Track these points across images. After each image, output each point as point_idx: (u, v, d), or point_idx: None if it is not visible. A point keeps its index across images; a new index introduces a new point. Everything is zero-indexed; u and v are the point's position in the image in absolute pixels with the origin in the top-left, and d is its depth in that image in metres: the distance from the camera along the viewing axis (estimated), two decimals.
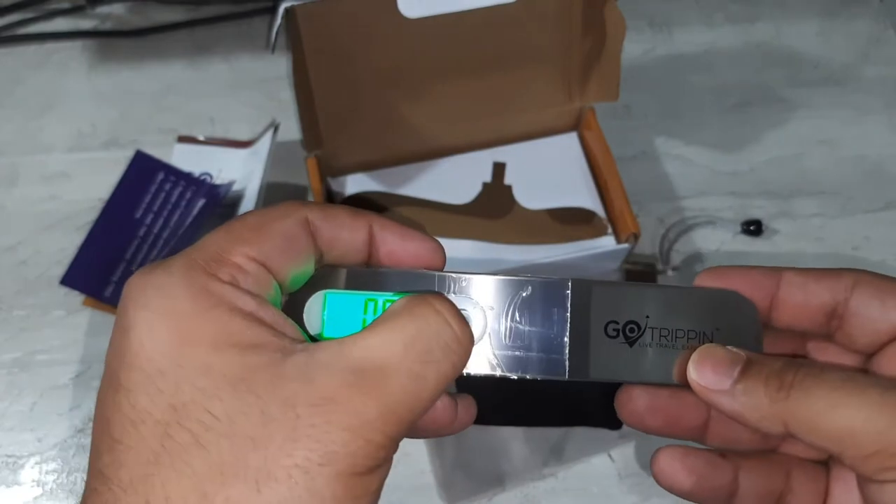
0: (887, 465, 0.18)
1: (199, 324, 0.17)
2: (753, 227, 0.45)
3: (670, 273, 0.43)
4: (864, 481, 0.20)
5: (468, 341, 0.20)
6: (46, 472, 0.39)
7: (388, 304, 0.21)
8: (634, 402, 0.22)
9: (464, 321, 0.20)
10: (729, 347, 0.21)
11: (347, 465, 0.17)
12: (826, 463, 0.23)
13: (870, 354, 0.22)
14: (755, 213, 0.47)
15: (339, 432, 0.17)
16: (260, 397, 0.17)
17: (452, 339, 0.19)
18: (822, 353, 0.23)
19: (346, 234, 0.21)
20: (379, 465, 0.18)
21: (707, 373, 0.20)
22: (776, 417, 0.19)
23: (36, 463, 0.39)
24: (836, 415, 0.19)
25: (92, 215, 0.44)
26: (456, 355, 0.19)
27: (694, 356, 0.21)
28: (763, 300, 0.22)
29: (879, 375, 0.21)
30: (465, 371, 0.21)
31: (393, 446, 0.18)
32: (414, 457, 0.28)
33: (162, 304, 0.18)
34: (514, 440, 0.38)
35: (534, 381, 0.22)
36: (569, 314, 0.22)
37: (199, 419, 0.17)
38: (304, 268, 0.20)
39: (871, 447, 0.18)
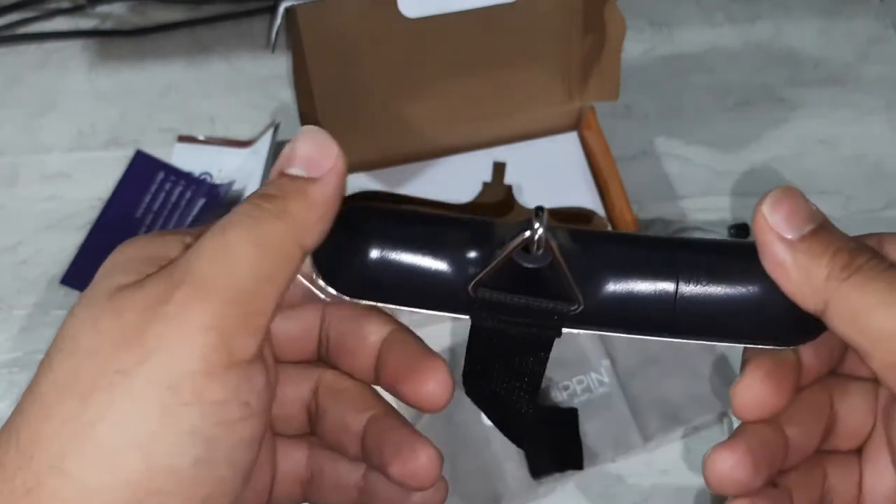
0: None
1: (129, 264, 0.18)
2: (740, 231, 0.45)
3: None
4: (888, 396, 0.18)
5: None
6: None
7: None
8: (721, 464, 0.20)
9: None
10: (810, 202, 0.19)
11: (168, 365, 0.16)
12: (858, 451, 0.22)
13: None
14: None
15: (159, 328, 0.16)
16: (94, 311, 0.17)
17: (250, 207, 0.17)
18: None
19: None
20: (211, 366, 0.16)
21: (780, 213, 0.18)
22: (822, 294, 0.18)
23: None
24: (882, 314, 0.17)
25: (92, 215, 0.44)
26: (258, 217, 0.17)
27: (773, 193, 0.19)
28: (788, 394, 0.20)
29: None
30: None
31: (229, 343, 0.16)
32: None
33: (116, 251, 0.19)
34: (508, 461, 0.37)
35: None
36: None
37: (57, 346, 0.17)
38: None
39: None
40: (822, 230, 0.19)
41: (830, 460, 0.22)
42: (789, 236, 0.18)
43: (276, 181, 0.18)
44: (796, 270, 0.18)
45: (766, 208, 0.19)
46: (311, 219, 0.18)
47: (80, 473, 0.16)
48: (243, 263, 0.17)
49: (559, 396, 0.39)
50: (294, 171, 0.18)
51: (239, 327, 0.16)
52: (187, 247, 0.18)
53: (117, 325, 0.16)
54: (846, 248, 0.18)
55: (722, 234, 0.46)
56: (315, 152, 0.18)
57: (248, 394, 0.17)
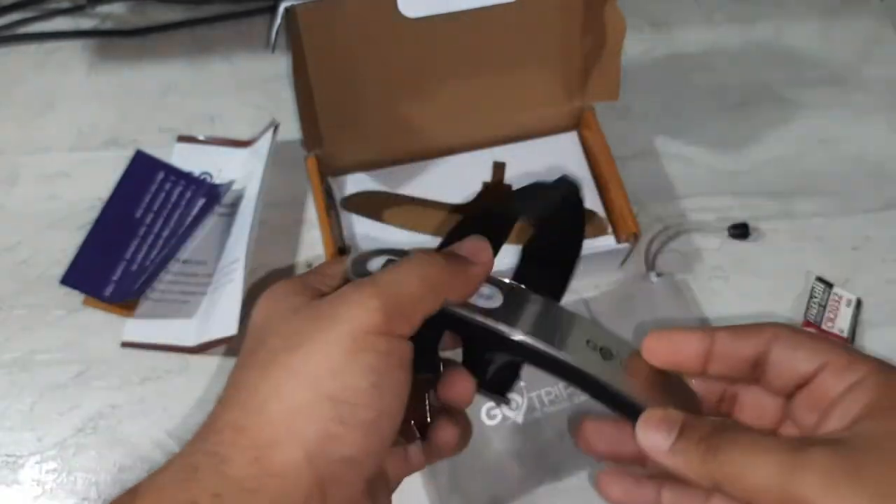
0: None
1: (283, 296, 0.26)
2: (740, 231, 0.45)
3: (654, 279, 0.43)
4: None
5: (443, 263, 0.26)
6: (46, 472, 0.39)
7: None
8: (586, 431, 0.28)
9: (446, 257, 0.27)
10: (668, 410, 0.25)
11: (352, 325, 0.23)
12: None
13: (788, 396, 0.26)
14: (755, 213, 0.47)
15: (345, 306, 0.24)
16: (301, 311, 0.25)
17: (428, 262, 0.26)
18: (749, 393, 0.27)
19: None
20: (378, 324, 0.23)
21: (650, 435, 0.24)
22: (707, 476, 0.23)
23: (36, 462, 0.39)
24: (750, 474, 0.22)
25: (92, 215, 0.44)
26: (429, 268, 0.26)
27: (640, 419, 0.25)
28: (699, 356, 0.26)
29: (782, 437, 0.25)
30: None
31: (394, 318, 0.24)
32: (407, 482, 0.28)
33: (274, 287, 0.27)
34: (509, 461, 0.38)
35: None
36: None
37: (264, 328, 0.25)
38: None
39: (776, 502, 0.21)
40: (683, 430, 0.24)
41: None
42: (665, 448, 0.24)
43: (447, 254, 0.27)
44: (683, 467, 0.23)
45: (640, 437, 0.24)
46: (460, 282, 0.26)
47: (294, 394, 0.23)
48: (409, 286, 0.25)
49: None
50: (462, 252, 0.27)
51: (397, 317, 0.24)
52: (323, 283, 0.27)
53: (314, 307, 0.24)
54: (703, 436, 0.23)
55: (722, 234, 0.46)
56: (478, 248, 0.27)
57: (401, 354, 0.24)
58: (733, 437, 0.23)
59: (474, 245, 0.27)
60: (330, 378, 0.23)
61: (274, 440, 0.22)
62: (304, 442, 0.22)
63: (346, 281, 0.27)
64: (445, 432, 0.28)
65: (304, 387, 0.23)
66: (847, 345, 0.26)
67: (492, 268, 0.27)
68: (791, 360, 0.25)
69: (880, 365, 0.24)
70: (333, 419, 0.22)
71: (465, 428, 0.29)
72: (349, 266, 0.27)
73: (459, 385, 0.27)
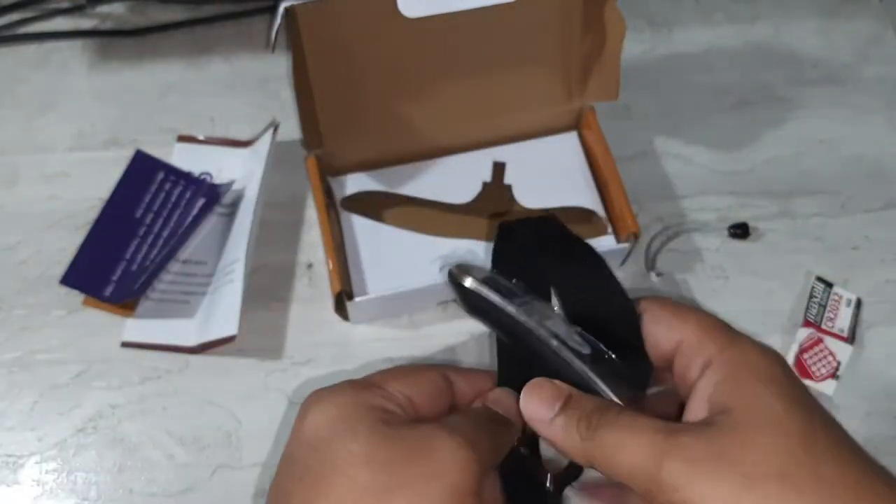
0: (657, 500, 0.22)
1: (351, 411, 0.25)
2: (740, 231, 0.45)
3: (654, 278, 0.43)
4: None
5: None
6: (46, 472, 0.39)
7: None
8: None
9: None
10: (556, 382, 0.25)
11: (449, 482, 0.22)
12: None
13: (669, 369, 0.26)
14: (755, 213, 0.47)
15: (443, 462, 0.23)
16: (387, 439, 0.24)
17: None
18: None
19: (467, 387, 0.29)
20: (473, 485, 0.23)
21: (533, 403, 0.24)
22: (584, 454, 0.23)
23: (36, 462, 0.39)
24: (622, 456, 0.22)
25: (92, 215, 0.44)
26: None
27: (526, 386, 0.25)
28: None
29: (658, 421, 0.23)
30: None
31: (480, 481, 0.24)
32: None
33: (330, 397, 0.26)
34: None
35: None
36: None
37: (352, 458, 0.24)
38: (441, 410, 0.28)
39: (646, 485, 0.22)
40: (566, 403, 0.24)
41: None
42: (546, 418, 0.24)
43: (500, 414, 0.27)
44: (562, 441, 0.24)
45: (523, 405, 0.25)
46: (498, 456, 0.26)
47: None
48: (492, 446, 0.25)
49: None
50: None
51: (484, 475, 0.24)
52: (387, 400, 0.26)
53: (401, 443, 0.24)
54: (585, 413, 0.24)
55: (722, 234, 0.46)
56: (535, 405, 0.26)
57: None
58: (613, 418, 0.23)
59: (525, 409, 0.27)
60: None
61: None
62: None
63: (417, 416, 0.26)
64: None
65: None
66: (707, 316, 0.25)
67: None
68: (654, 337, 0.25)
69: (728, 339, 0.24)
70: None
71: None
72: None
73: None
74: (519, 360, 0.27)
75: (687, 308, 0.25)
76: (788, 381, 0.23)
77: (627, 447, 0.22)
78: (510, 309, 0.27)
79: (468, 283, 0.28)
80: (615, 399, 0.24)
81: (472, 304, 0.29)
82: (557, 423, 0.24)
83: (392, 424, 0.24)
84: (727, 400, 0.22)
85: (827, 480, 0.20)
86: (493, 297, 0.27)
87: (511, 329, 0.27)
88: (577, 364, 0.25)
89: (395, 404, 0.26)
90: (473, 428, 0.24)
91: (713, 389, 0.23)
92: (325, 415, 0.25)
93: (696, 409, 0.23)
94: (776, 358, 0.23)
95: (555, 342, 0.26)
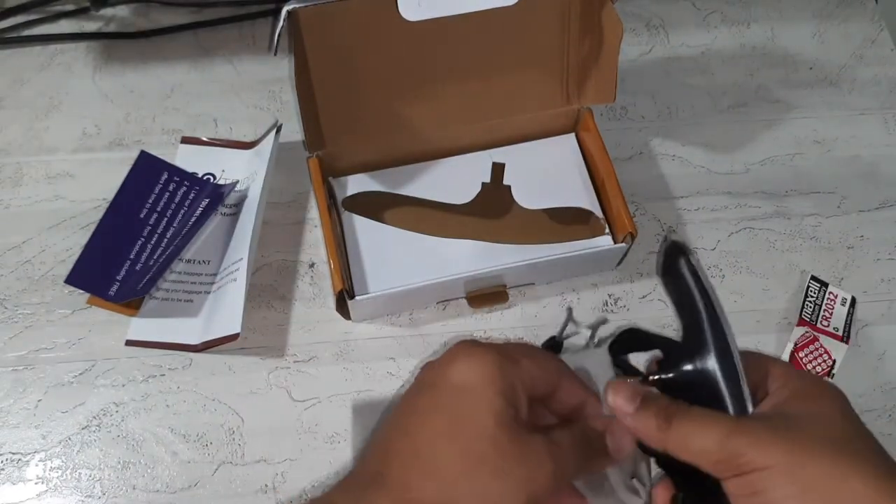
0: (725, 470, 0.26)
1: (497, 379, 0.29)
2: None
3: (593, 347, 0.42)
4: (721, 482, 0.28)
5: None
6: (51, 469, 0.39)
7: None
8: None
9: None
10: (634, 382, 0.30)
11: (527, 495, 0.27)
12: None
13: None
14: (751, 213, 0.47)
15: (529, 472, 0.27)
16: (506, 430, 0.28)
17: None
18: None
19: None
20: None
21: (619, 399, 0.29)
22: (660, 440, 0.28)
23: (40, 460, 0.39)
24: (696, 439, 0.27)
25: (96, 215, 0.44)
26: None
27: (610, 384, 0.30)
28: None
29: (720, 415, 0.29)
30: None
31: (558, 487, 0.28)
32: None
33: (481, 355, 0.29)
34: None
35: None
36: None
37: (475, 426, 0.28)
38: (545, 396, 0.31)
39: (715, 460, 0.27)
40: (645, 400, 0.29)
41: None
42: (629, 410, 0.29)
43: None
44: (642, 430, 0.29)
45: (609, 398, 0.30)
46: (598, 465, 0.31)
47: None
48: (576, 467, 0.29)
49: None
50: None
51: (561, 484, 0.29)
52: (520, 380, 0.29)
53: (508, 448, 0.28)
54: (661, 407, 0.29)
55: (719, 234, 0.46)
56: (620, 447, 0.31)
57: None
58: (686, 410, 0.28)
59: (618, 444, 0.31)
60: None
61: None
62: None
63: (531, 381, 0.30)
64: None
65: None
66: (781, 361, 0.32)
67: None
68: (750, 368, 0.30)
69: (803, 373, 0.30)
70: None
71: None
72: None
73: None
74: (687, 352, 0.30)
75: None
76: (846, 405, 0.28)
77: (700, 432, 0.27)
78: (714, 296, 0.29)
79: (693, 258, 0.30)
80: (749, 404, 0.29)
81: (679, 275, 0.30)
82: (638, 415, 0.29)
83: (516, 409, 0.28)
84: (791, 404, 0.28)
85: (871, 462, 0.25)
86: (706, 279, 0.30)
87: (695, 309, 0.30)
88: (738, 360, 0.29)
89: (524, 384, 0.30)
90: (571, 449, 0.29)
91: (788, 395, 0.28)
92: (475, 371, 0.29)
93: (764, 406, 0.28)
94: (839, 391, 0.28)
95: (733, 340, 0.29)
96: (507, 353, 0.30)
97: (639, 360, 0.34)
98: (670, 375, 0.31)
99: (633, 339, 0.34)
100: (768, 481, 0.25)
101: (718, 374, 0.29)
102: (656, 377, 0.31)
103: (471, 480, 0.27)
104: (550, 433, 0.29)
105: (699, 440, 0.27)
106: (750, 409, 0.29)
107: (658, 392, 0.30)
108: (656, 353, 0.32)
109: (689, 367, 0.30)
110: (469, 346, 0.30)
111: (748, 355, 0.30)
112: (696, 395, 0.30)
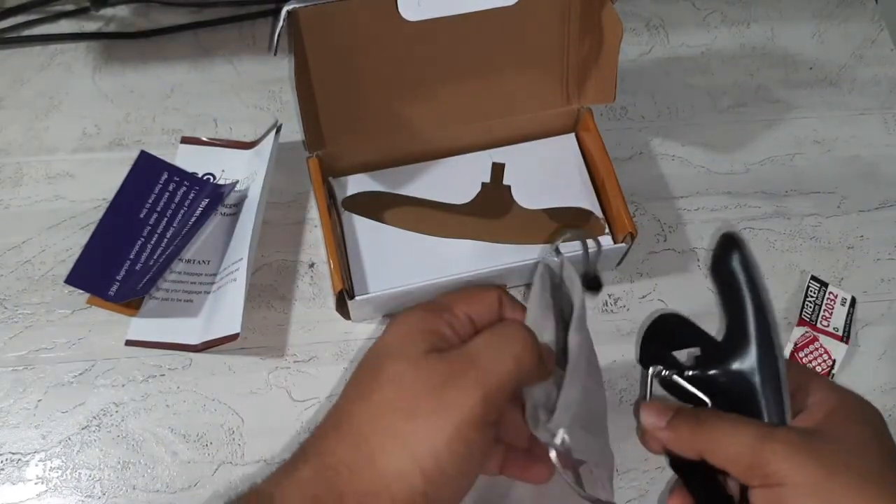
0: (754, 477, 0.28)
1: (415, 332, 0.30)
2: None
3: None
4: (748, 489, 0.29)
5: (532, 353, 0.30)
6: (51, 469, 0.39)
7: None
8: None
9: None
10: (665, 401, 0.32)
11: (457, 416, 0.27)
12: None
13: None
14: (750, 213, 0.47)
15: (452, 392, 0.27)
16: (404, 368, 0.28)
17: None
18: None
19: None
20: (484, 421, 0.27)
21: (650, 416, 0.31)
22: (693, 447, 0.30)
23: (40, 460, 0.39)
24: (728, 444, 0.28)
25: (96, 215, 0.44)
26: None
27: (643, 405, 0.32)
28: None
29: (754, 421, 0.30)
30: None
31: (491, 407, 0.28)
32: None
33: (404, 319, 0.31)
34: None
35: None
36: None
37: (370, 382, 0.29)
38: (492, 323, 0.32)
39: (745, 465, 0.28)
40: (676, 413, 0.31)
41: None
42: (662, 425, 0.31)
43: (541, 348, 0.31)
44: (675, 441, 0.31)
45: (642, 418, 0.32)
46: (542, 374, 0.31)
47: (398, 460, 0.27)
48: (507, 377, 0.28)
49: None
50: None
51: (493, 407, 0.28)
52: (448, 324, 0.30)
53: (432, 375, 0.28)
54: (692, 416, 0.30)
55: (717, 234, 0.46)
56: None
57: (488, 439, 0.28)
58: (717, 416, 0.29)
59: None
60: (429, 458, 0.27)
61: (375, 493, 0.27)
62: (395, 502, 0.27)
63: (474, 330, 0.31)
64: None
65: (407, 457, 0.27)
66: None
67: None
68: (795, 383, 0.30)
69: (846, 390, 0.31)
70: (421, 493, 0.27)
71: None
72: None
73: None
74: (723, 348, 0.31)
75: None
76: (882, 427, 0.29)
77: (731, 438, 0.28)
78: (766, 296, 0.29)
79: (747, 253, 0.30)
80: (788, 414, 0.29)
81: (729, 269, 0.30)
82: (671, 426, 0.30)
83: (441, 350, 0.29)
84: (827, 424, 0.28)
85: None
86: (758, 276, 0.30)
87: (742, 308, 0.30)
88: (782, 365, 0.29)
89: (454, 327, 0.30)
90: (495, 366, 0.28)
91: (825, 412, 0.29)
92: (395, 335, 0.30)
93: (799, 421, 0.29)
94: (876, 411, 0.30)
95: (779, 344, 0.29)
96: (433, 305, 0.31)
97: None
98: (709, 373, 0.31)
99: (668, 331, 0.34)
100: (793, 499, 0.26)
101: (758, 378, 0.29)
102: (692, 373, 0.31)
103: (382, 431, 0.27)
104: (465, 345, 0.29)
105: (732, 443, 0.28)
106: (788, 419, 0.28)
107: (684, 406, 0.31)
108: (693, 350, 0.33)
109: (727, 366, 0.30)
110: (399, 315, 0.31)
111: (789, 365, 0.30)
112: (730, 397, 0.29)
